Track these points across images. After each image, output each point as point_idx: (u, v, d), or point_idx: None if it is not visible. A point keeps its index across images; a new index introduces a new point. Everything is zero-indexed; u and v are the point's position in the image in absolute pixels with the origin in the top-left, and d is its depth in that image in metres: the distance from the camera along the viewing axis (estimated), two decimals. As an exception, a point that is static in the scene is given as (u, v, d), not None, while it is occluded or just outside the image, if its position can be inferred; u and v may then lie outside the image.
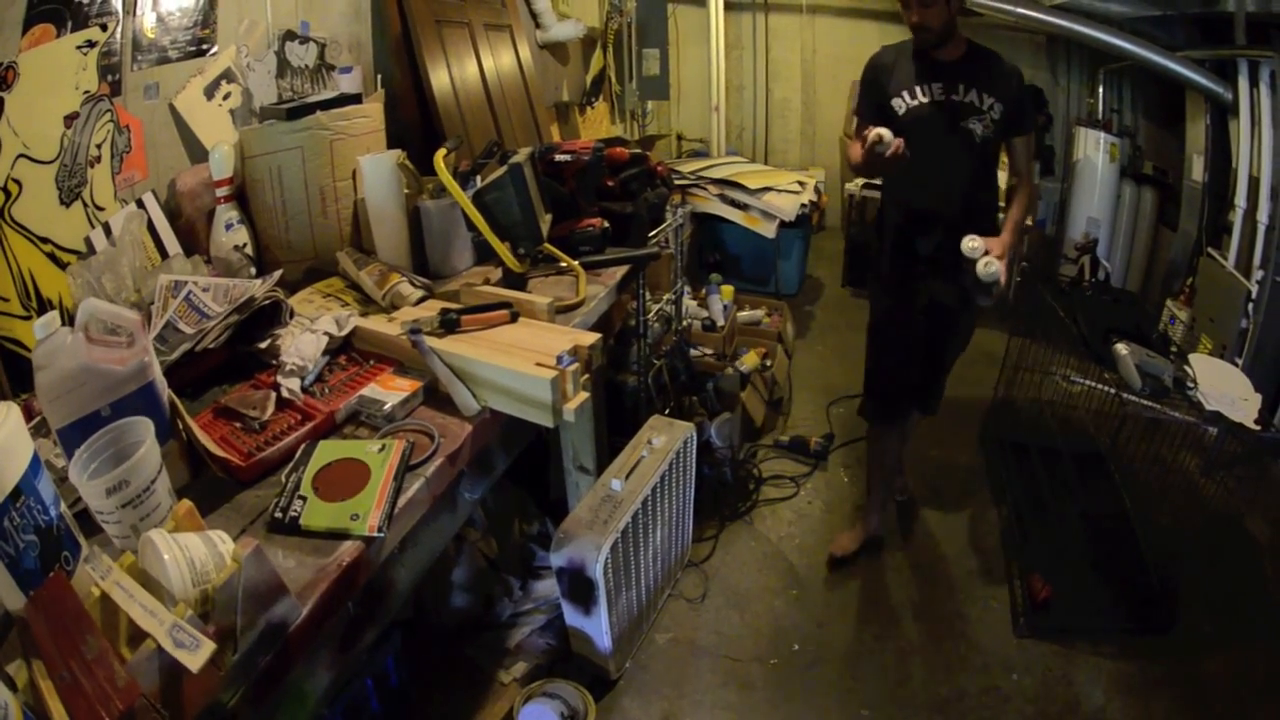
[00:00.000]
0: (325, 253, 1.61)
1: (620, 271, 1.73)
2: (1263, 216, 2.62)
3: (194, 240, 1.53)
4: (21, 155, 1.25)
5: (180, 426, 0.96)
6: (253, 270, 1.52)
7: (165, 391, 0.96)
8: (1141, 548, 2.09)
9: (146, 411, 0.87)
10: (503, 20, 2.52)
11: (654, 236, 2.02)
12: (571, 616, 1.75)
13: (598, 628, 1.71)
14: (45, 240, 1.30)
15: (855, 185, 4.27)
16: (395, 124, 1.86)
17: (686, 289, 2.84)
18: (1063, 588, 1.99)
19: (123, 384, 0.89)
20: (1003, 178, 2.22)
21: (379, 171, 1.54)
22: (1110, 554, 2.10)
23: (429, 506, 1.04)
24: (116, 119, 1.40)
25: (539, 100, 2.64)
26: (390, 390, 1.16)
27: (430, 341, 1.17)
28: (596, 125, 3.74)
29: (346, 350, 1.31)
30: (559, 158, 1.76)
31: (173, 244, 1.50)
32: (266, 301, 1.26)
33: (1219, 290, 2.79)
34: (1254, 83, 2.66)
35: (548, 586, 1.97)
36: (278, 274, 1.37)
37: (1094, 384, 2.43)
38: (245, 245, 1.55)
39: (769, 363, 3.06)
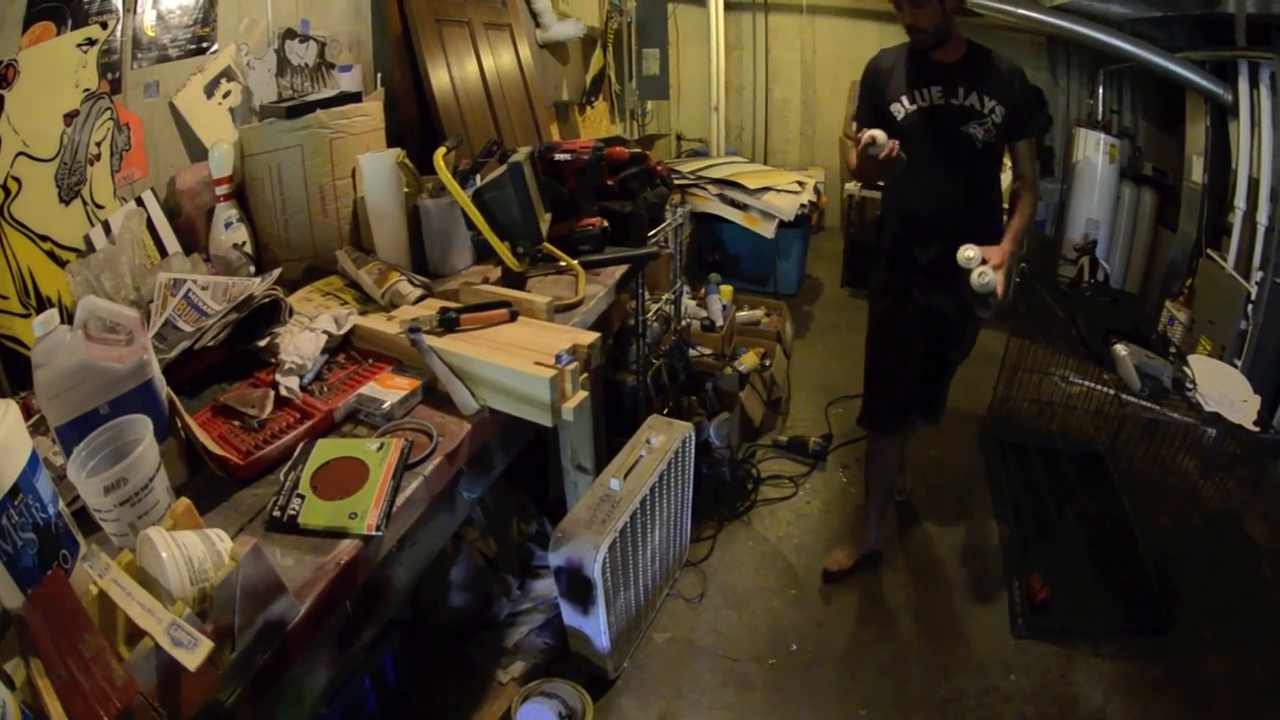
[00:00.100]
0: (324, 251, 1.61)
1: (619, 271, 1.72)
2: (1262, 218, 2.62)
3: (193, 238, 1.53)
4: (21, 153, 1.25)
5: (179, 424, 0.96)
6: (252, 268, 1.52)
7: (164, 389, 0.96)
8: (1141, 549, 2.09)
9: (145, 409, 0.87)
10: (503, 19, 2.52)
11: (653, 236, 2.02)
12: (569, 616, 1.75)
13: (596, 627, 1.71)
14: (44, 238, 1.30)
15: (855, 186, 4.28)
16: (395, 123, 1.86)
17: (685, 288, 2.85)
18: (1062, 588, 1.99)
19: (121, 382, 0.89)
20: (1005, 178, 2.21)
21: (378, 170, 1.54)
22: (1109, 555, 2.10)
23: (427, 505, 1.04)
24: (116, 117, 1.40)
25: (539, 99, 2.64)
26: (389, 389, 1.16)
27: (429, 340, 1.17)
28: (596, 125, 3.74)
29: (345, 349, 1.31)
30: (559, 157, 1.76)
31: (172, 242, 1.50)
32: (265, 300, 1.26)
33: (1218, 291, 2.79)
34: (1254, 84, 2.66)
35: (546, 586, 1.97)
36: (277, 272, 1.37)
37: (1093, 385, 2.43)
38: (244, 243, 1.55)
39: (768, 363, 3.06)
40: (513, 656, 1.85)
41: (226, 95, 1.64)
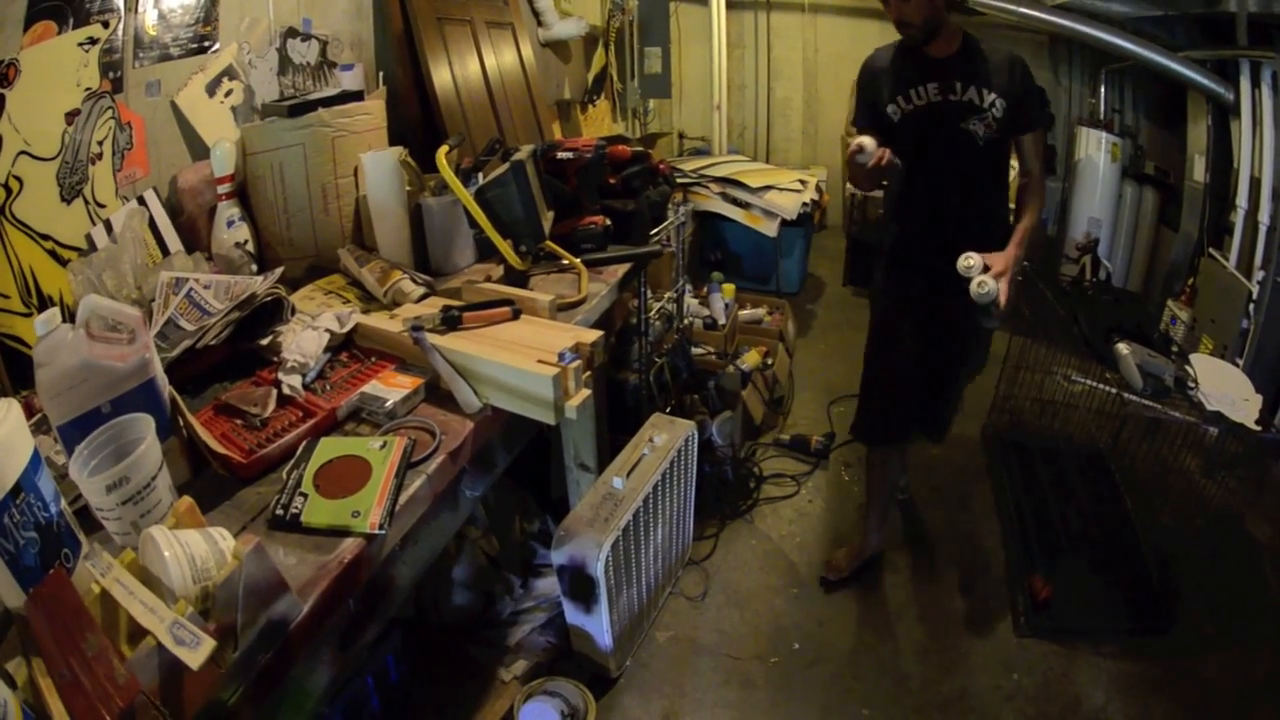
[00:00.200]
0: (327, 250, 1.60)
1: (622, 269, 1.72)
2: (1264, 217, 2.62)
3: (195, 237, 1.53)
4: (23, 152, 1.25)
5: (181, 423, 0.96)
6: (254, 267, 1.52)
7: (166, 388, 0.96)
8: (1142, 548, 2.09)
9: (147, 408, 0.87)
10: (505, 18, 2.52)
11: (656, 234, 2.02)
12: (572, 614, 1.75)
13: (598, 626, 1.71)
14: (46, 237, 1.30)
15: (856, 184, 4.27)
16: (397, 121, 1.85)
17: (688, 287, 2.85)
18: (1064, 587, 1.99)
19: (123, 381, 0.89)
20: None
21: (381, 168, 1.54)
22: (1111, 554, 2.10)
23: (430, 504, 1.04)
24: (118, 116, 1.40)
25: (541, 98, 2.63)
26: (392, 387, 1.16)
27: (432, 338, 1.17)
28: (598, 123, 3.73)
29: (348, 347, 1.31)
30: (561, 155, 1.76)
31: (174, 241, 1.50)
32: (268, 298, 1.26)
33: (1220, 291, 2.79)
34: (1255, 83, 2.66)
35: (548, 584, 1.97)
36: (279, 271, 1.36)
37: (1095, 384, 2.43)
38: (246, 242, 1.55)
39: (770, 361, 3.06)
40: (515, 655, 1.85)
41: (228, 94, 1.64)
